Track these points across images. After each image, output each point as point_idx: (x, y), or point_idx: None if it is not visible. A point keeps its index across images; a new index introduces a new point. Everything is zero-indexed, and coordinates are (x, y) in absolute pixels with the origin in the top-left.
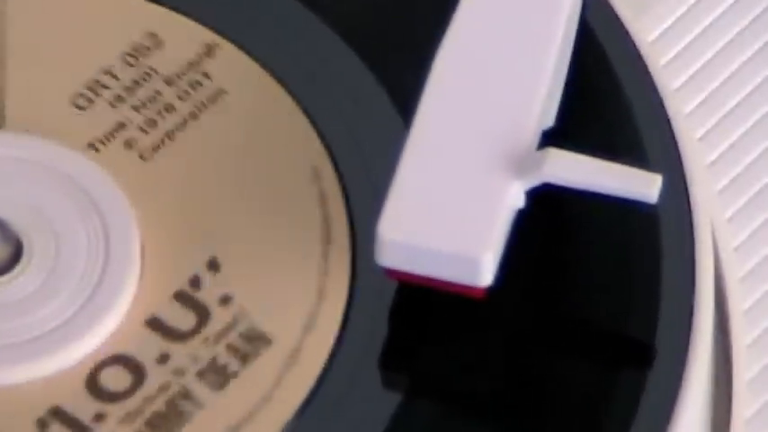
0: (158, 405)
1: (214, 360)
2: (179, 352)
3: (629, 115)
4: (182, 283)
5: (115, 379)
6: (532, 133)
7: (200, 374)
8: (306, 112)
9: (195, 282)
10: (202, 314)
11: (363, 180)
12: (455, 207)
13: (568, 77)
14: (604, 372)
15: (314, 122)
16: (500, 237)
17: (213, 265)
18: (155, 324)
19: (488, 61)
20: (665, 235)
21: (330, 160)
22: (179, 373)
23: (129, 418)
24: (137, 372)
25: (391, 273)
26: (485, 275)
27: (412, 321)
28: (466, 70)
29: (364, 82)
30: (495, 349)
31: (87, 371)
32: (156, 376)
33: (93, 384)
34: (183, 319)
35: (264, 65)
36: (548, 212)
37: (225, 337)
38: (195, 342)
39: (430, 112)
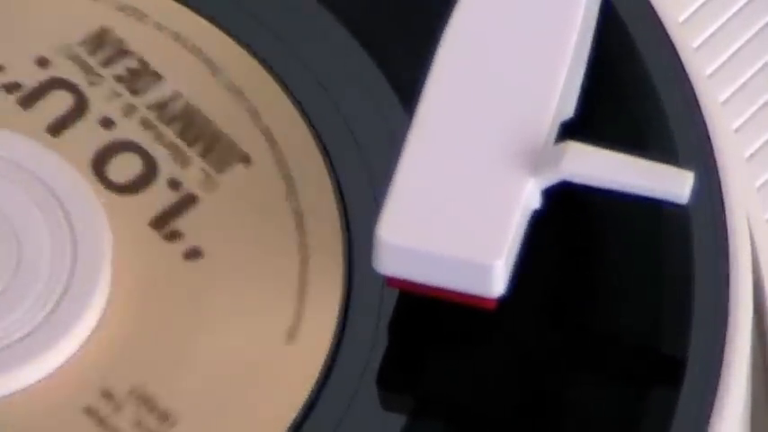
0: None
1: None
2: None
3: (658, 104)
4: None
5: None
6: (549, 125)
7: None
8: (295, 100)
9: None
10: None
11: (360, 178)
12: (463, 208)
13: (589, 62)
14: (631, 390)
15: (305, 113)
16: (513, 241)
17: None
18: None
19: (499, 46)
20: (697, 238)
21: (324, 156)
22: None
23: None
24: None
25: (392, 281)
26: (496, 284)
27: (414, 337)
28: (474, 55)
29: (362, 68)
30: (508, 368)
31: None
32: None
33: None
34: None
35: (250, 48)
36: (567, 213)
37: None
38: None
39: (434, 101)
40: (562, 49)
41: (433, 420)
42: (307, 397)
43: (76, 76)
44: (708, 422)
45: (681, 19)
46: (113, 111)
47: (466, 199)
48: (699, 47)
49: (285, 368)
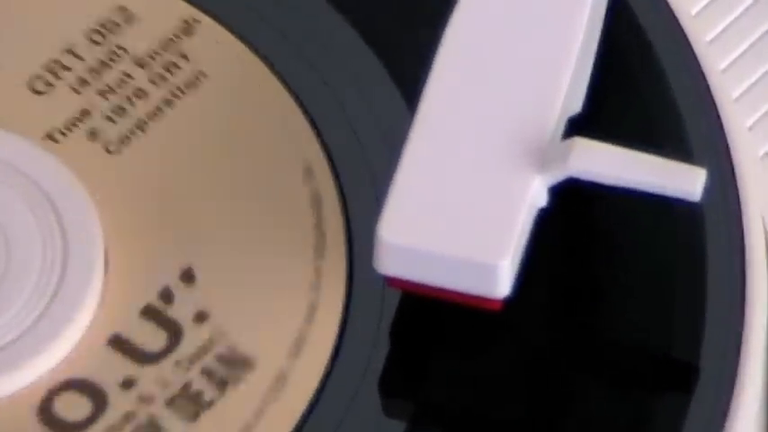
0: None
1: (187, 386)
2: (146, 376)
3: (669, 99)
4: (150, 296)
5: (72, 407)
6: (555, 121)
7: (171, 402)
8: (297, 98)
9: (166, 295)
10: (174, 333)
11: (362, 176)
12: (467, 206)
13: (598, 54)
14: (643, 393)
15: (306, 111)
16: (519, 240)
17: (187, 276)
18: (118, 343)
19: (503, 40)
20: (710, 237)
21: (324, 154)
22: (146, 400)
23: None
24: (97, 398)
25: (393, 282)
26: (502, 285)
27: (416, 340)
28: (477, 50)
29: (363, 63)
30: (514, 372)
31: (40, 398)
32: (119, 404)
33: (46, 413)
34: (151, 338)
35: (250, 44)
36: (575, 212)
37: (199, 360)
38: (165, 365)
39: (437, 98)
40: (569, 41)
41: (435, 427)
42: (306, 402)
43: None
44: (723, 426)
45: (693, 12)
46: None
47: (470, 197)
48: (712, 40)
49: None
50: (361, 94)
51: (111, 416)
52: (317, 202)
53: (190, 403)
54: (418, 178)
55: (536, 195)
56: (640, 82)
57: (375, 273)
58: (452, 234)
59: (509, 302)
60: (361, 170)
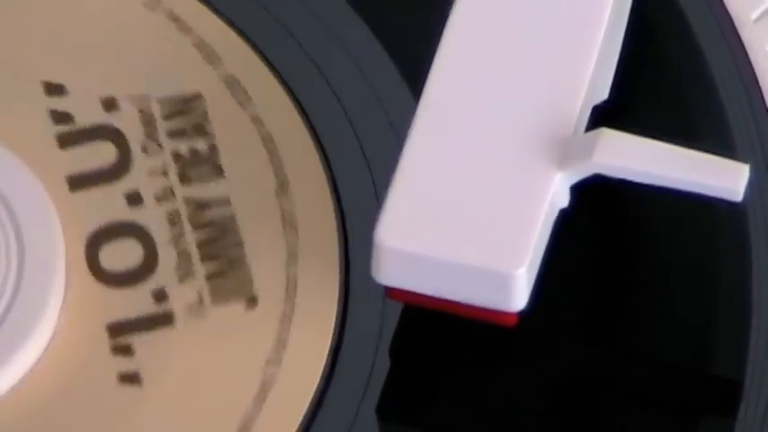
0: None
1: None
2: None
3: (709, 86)
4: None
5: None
6: (578, 111)
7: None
8: (283, 81)
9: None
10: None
11: (359, 172)
12: (478, 207)
13: (628, 33)
14: (683, 421)
15: (295, 98)
16: (538, 246)
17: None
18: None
19: (518, 18)
20: (754, 240)
21: (315, 144)
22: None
23: None
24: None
25: (393, 293)
26: (518, 297)
27: (420, 360)
28: (488, 31)
29: (364, 45)
30: (532, 398)
31: None
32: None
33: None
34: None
35: (238, 27)
36: (601, 213)
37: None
38: None
39: (444, 84)
40: (594, 19)
41: None
42: (296, 430)
43: (134, 136)
44: None
45: None
46: (149, 188)
47: (481, 197)
48: (757, 19)
49: (273, 392)
50: (358, 77)
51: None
52: (303, 199)
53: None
54: (423, 175)
55: (556, 194)
56: (676, 65)
57: (373, 282)
58: (461, 238)
59: (526, 317)
60: (357, 161)
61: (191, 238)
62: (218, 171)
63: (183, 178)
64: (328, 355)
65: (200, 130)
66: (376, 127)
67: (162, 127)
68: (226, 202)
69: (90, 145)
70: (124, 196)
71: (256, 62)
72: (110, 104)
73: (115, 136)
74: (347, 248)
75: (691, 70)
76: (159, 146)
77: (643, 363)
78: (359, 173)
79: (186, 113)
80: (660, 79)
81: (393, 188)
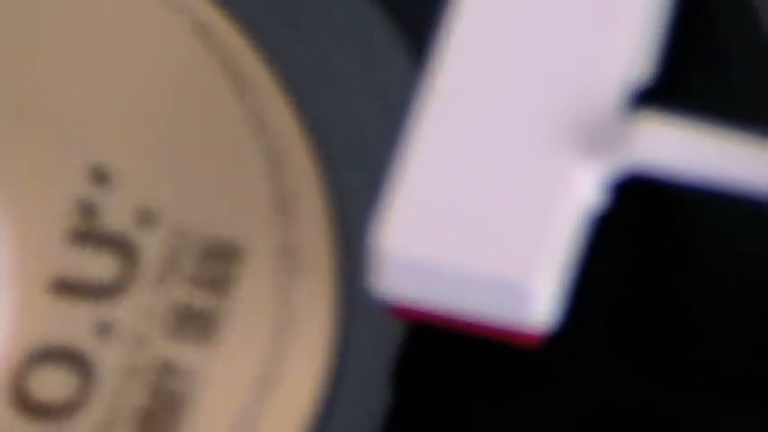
0: None
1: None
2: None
3: None
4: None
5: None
6: (613, 92)
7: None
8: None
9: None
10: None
11: (354, 163)
12: (492, 206)
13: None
14: None
15: (284, 72)
16: (562, 251)
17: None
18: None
19: None
20: None
21: (300, 130)
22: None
23: None
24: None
25: (399, 311)
26: (538, 310)
27: (427, 389)
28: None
29: (363, 16)
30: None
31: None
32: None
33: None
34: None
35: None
36: (649, 214)
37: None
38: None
39: (452, 63)
40: None
41: None
42: None
43: (147, 264)
44: None
45: None
46: (125, 328)
47: (496, 194)
48: None
49: (256, 426)
50: (358, 51)
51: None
52: (288, 196)
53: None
54: (429, 171)
55: (584, 191)
56: (733, 39)
57: (372, 296)
58: (473, 243)
59: (553, 337)
60: (352, 152)
61: (129, 413)
62: (209, 340)
63: (169, 332)
64: (321, 381)
65: (220, 287)
66: (375, 108)
67: (182, 265)
68: (195, 374)
69: (93, 252)
70: (95, 322)
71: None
72: (145, 218)
73: (126, 255)
74: (343, 257)
75: (751, 44)
76: (165, 285)
77: (695, 391)
78: (354, 164)
79: (218, 263)
80: (715, 55)
81: (396, 186)
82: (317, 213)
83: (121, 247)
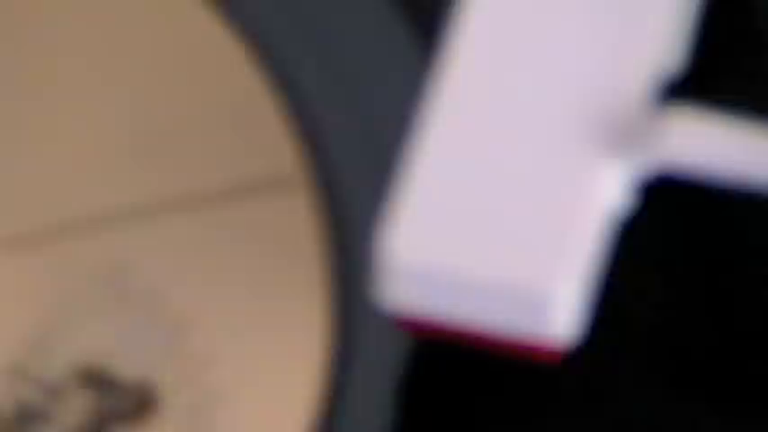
0: None
1: None
2: None
3: None
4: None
5: None
6: (640, 84)
7: None
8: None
9: None
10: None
11: (360, 165)
12: (508, 209)
13: None
14: None
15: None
16: (585, 257)
17: None
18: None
19: None
20: None
21: (303, 132)
22: None
23: None
24: None
25: (405, 323)
26: (558, 322)
27: (436, 408)
28: None
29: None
30: None
31: None
32: None
33: None
34: None
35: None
36: (682, 216)
37: None
38: None
39: (465, 54)
40: None
41: None
42: None
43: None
44: None
45: None
46: None
47: (513, 194)
48: None
49: None
50: (362, 42)
51: None
52: (294, 206)
53: None
54: (439, 169)
55: (610, 191)
56: None
57: (378, 308)
58: (488, 249)
59: (575, 353)
60: (358, 152)
61: None
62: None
63: None
64: (322, 398)
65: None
66: (382, 105)
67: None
68: None
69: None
70: None
71: None
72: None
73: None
74: (344, 265)
75: None
76: None
77: (737, 416)
78: (360, 164)
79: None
80: (747, 44)
81: (403, 187)
82: (317, 230)
83: None
